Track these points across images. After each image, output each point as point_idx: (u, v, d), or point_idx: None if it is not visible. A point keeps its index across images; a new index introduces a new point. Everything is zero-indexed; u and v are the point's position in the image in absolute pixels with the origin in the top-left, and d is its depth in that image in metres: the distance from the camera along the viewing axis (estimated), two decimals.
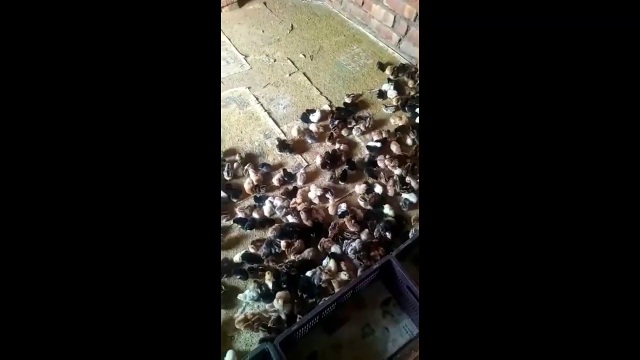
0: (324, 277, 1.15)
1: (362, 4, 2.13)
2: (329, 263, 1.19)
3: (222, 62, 1.91)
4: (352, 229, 1.28)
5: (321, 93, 1.80)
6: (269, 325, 1.05)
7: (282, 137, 1.59)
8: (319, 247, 1.24)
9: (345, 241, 1.25)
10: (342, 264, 1.21)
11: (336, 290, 1.12)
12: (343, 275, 1.17)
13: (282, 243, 1.23)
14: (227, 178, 1.42)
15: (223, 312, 1.10)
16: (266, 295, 1.12)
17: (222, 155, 1.49)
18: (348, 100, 1.75)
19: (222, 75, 1.84)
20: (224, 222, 1.30)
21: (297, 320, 1.03)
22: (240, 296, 1.13)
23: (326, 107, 1.71)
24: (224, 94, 1.75)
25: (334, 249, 1.24)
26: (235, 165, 1.45)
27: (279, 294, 1.10)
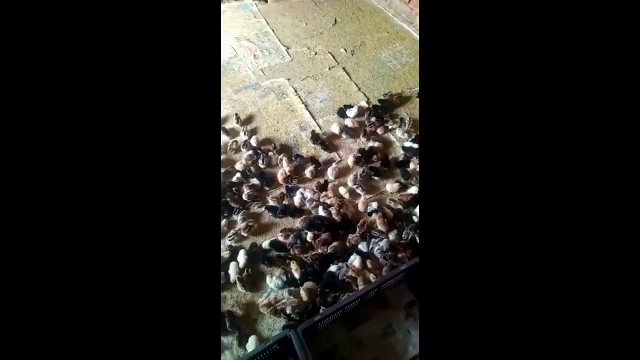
0: (349, 272, 1.16)
1: (409, 1, 2.08)
2: (355, 260, 1.19)
3: (265, 53, 1.94)
4: (381, 228, 1.27)
5: (359, 89, 1.79)
6: (291, 313, 1.07)
7: (317, 130, 1.60)
8: (347, 243, 1.24)
9: (373, 240, 1.24)
10: (368, 262, 1.20)
11: (360, 287, 1.12)
12: (368, 273, 1.16)
13: (310, 235, 1.24)
14: (262, 166, 1.45)
15: (248, 294, 1.14)
16: (292, 283, 1.14)
17: (257, 145, 1.52)
18: (386, 98, 1.72)
19: (264, 65, 1.88)
20: (255, 208, 1.34)
21: (320, 311, 1.05)
22: (267, 281, 1.16)
23: (363, 104, 1.70)
24: (264, 84, 1.79)
25: (361, 246, 1.24)
26: (270, 154, 1.48)
27: (305, 284, 1.12)
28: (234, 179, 1.40)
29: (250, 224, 1.27)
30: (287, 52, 1.95)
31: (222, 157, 1.49)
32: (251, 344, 1.03)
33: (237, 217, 1.30)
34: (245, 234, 1.26)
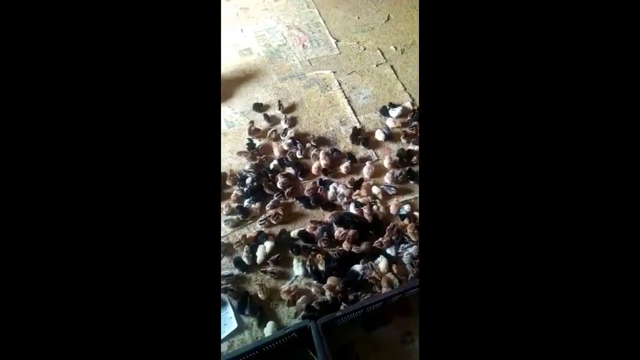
0: (373, 274, 1.15)
1: None
2: (381, 262, 1.18)
3: (313, 43, 1.94)
4: (412, 236, 1.24)
5: (405, 89, 1.74)
6: (312, 304, 1.08)
7: (358, 126, 1.58)
8: (375, 244, 1.23)
9: (403, 245, 1.22)
10: (394, 267, 1.18)
11: (384, 290, 1.10)
12: (392, 277, 1.15)
13: (338, 230, 1.24)
14: (299, 156, 1.46)
15: (272, 280, 1.16)
16: (315, 275, 1.15)
17: (296, 134, 1.53)
18: None
19: (311, 56, 1.88)
20: (287, 198, 1.35)
21: (341, 307, 1.05)
22: (292, 269, 1.18)
23: (408, 105, 1.65)
24: (310, 74, 1.79)
25: (389, 250, 1.22)
26: (307, 145, 1.49)
27: (329, 278, 1.12)
28: (271, 166, 1.42)
29: (278, 212, 1.29)
30: (336, 45, 1.94)
31: (261, 142, 1.52)
32: (269, 329, 1.05)
33: (267, 204, 1.32)
34: (274, 222, 1.28)
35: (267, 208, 1.31)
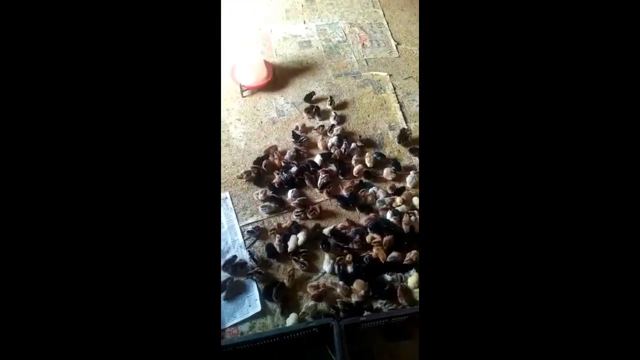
0: (400, 287, 1.12)
1: None
2: (412, 277, 1.15)
3: (373, 44, 1.91)
4: None
5: None
6: (337, 304, 1.08)
7: (407, 133, 1.54)
8: (407, 256, 1.19)
9: None
10: None
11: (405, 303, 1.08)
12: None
13: (371, 235, 1.22)
14: (343, 154, 1.45)
15: (300, 272, 1.18)
16: (343, 275, 1.15)
17: (343, 132, 1.53)
18: None
19: (370, 56, 1.85)
20: (324, 195, 1.35)
21: (365, 313, 1.04)
22: (321, 265, 1.18)
23: None
24: (365, 74, 1.77)
25: None
26: (353, 145, 1.48)
27: (357, 281, 1.11)
28: (316, 160, 1.43)
29: (315, 207, 1.30)
30: (396, 48, 1.90)
31: (306, 135, 1.52)
32: (291, 320, 1.07)
33: (305, 197, 1.33)
34: (309, 216, 1.29)
35: (304, 201, 1.32)
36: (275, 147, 1.45)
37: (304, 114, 1.59)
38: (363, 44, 1.91)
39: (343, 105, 1.65)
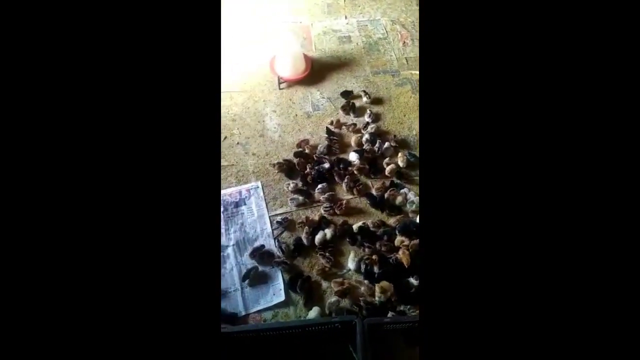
0: None
1: None
2: None
3: (415, 42, 1.87)
4: None
5: None
6: (360, 302, 1.08)
7: None
8: None
9: None
10: None
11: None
12: None
13: (400, 239, 1.21)
14: (376, 154, 1.43)
15: (327, 267, 1.18)
16: (368, 274, 1.14)
17: (377, 130, 1.50)
18: None
19: (410, 54, 1.81)
20: (354, 193, 1.35)
21: (389, 314, 1.03)
22: (347, 261, 1.19)
23: None
24: (404, 73, 1.73)
25: None
26: (386, 144, 1.45)
27: (383, 282, 1.10)
28: (350, 157, 1.42)
29: (343, 203, 1.29)
30: None
31: (340, 131, 1.52)
32: (313, 313, 1.08)
33: (335, 193, 1.33)
34: (337, 212, 1.29)
35: (333, 196, 1.32)
36: (307, 141, 1.46)
37: (339, 110, 1.58)
38: (404, 42, 1.87)
39: (379, 103, 1.63)
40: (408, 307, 1.09)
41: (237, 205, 1.32)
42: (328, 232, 1.23)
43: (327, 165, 1.38)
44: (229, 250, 1.21)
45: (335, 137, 1.48)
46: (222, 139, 1.49)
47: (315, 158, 1.41)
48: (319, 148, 1.43)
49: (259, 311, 1.10)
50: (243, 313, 1.09)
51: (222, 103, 1.59)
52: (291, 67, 1.62)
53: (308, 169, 1.37)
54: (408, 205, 1.31)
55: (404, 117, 1.59)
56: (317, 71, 1.72)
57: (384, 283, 1.10)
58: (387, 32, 1.91)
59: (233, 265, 1.18)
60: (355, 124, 1.52)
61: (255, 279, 1.15)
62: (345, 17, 1.98)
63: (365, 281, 1.14)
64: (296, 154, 1.41)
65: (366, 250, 1.19)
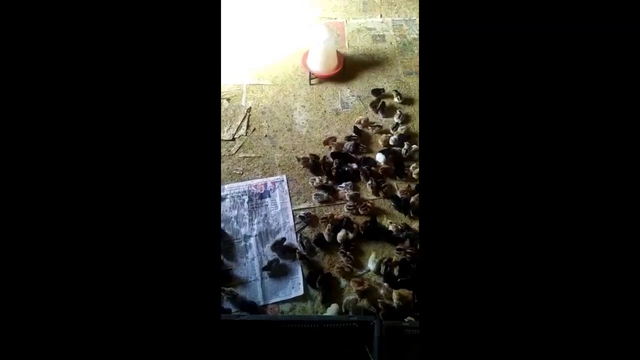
0: None
1: None
2: None
3: None
4: None
5: None
6: (378, 304, 1.08)
7: None
8: None
9: None
10: None
11: None
12: None
13: None
14: (403, 156, 1.42)
15: (347, 265, 1.18)
16: (388, 277, 1.14)
17: (406, 132, 1.48)
18: None
19: None
20: (380, 195, 1.33)
21: (407, 318, 1.02)
22: (367, 261, 1.18)
23: None
24: None
25: None
26: (414, 147, 1.43)
27: (403, 289, 1.09)
28: (377, 157, 1.41)
29: (368, 204, 1.29)
30: None
31: (367, 130, 1.50)
32: (332, 310, 1.08)
33: (358, 192, 1.33)
34: (361, 212, 1.28)
35: (357, 195, 1.32)
36: (334, 138, 1.46)
37: (369, 108, 1.57)
38: None
39: (410, 104, 1.60)
40: None
41: (261, 196, 1.34)
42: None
43: (354, 165, 1.38)
44: (252, 240, 1.24)
45: (362, 137, 1.47)
46: (250, 130, 1.51)
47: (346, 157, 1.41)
48: (345, 146, 1.43)
49: (277, 303, 1.12)
50: (262, 303, 1.11)
51: (253, 95, 1.61)
52: (323, 63, 1.62)
53: (335, 166, 1.37)
54: None
55: None
56: (348, 69, 1.71)
57: (403, 291, 1.09)
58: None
59: (255, 255, 1.20)
60: (381, 126, 1.50)
61: (276, 271, 1.17)
62: (381, 16, 1.96)
63: (385, 284, 1.14)
64: (333, 155, 1.41)
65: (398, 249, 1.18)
